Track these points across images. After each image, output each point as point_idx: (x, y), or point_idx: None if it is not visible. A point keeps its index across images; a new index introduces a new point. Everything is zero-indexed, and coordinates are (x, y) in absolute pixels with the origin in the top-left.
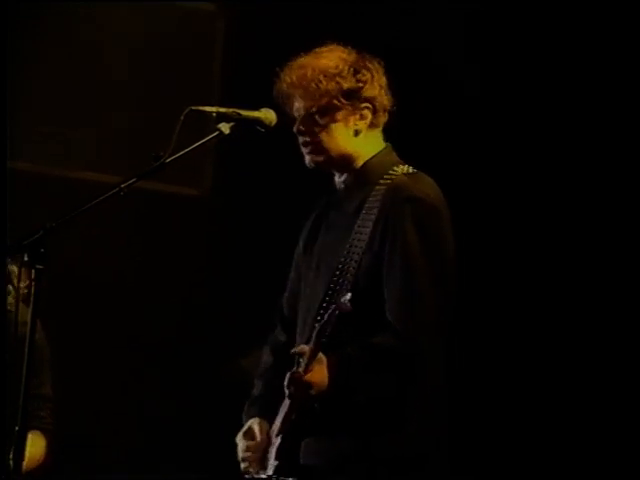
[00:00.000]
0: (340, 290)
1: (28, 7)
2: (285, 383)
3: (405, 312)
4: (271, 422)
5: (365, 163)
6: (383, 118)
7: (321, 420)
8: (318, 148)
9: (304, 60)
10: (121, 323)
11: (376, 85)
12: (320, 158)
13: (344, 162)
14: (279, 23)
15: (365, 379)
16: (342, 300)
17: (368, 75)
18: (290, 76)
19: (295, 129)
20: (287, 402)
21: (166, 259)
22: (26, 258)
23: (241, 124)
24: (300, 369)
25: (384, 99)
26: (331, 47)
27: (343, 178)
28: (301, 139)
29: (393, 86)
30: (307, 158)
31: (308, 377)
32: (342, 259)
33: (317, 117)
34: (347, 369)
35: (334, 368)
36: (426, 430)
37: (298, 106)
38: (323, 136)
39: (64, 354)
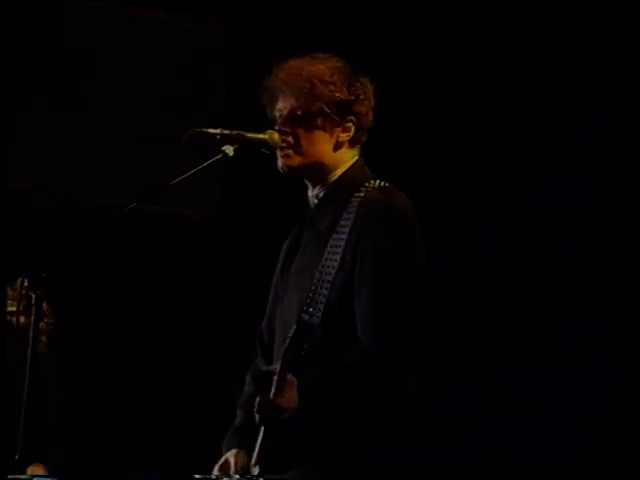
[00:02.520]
0: (313, 312)
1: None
2: (255, 409)
3: (373, 327)
4: (251, 454)
5: (339, 177)
6: (363, 137)
7: (295, 446)
8: (296, 151)
9: (299, 61)
10: (131, 343)
11: (366, 102)
12: (295, 162)
13: (319, 172)
14: (285, 43)
15: (333, 398)
16: (302, 316)
17: (360, 91)
18: (283, 73)
19: (277, 128)
20: (262, 430)
21: (170, 282)
22: (26, 284)
23: (245, 146)
24: (271, 392)
25: (369, 118)
26: (327, 55)
27: (316, 191)
28: (281, 138)
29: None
30: (281, 161)
31: (278, 401)
32: (315, 280)
33: (302, 120)
34: (313, 390)
35: (300, 390)
36: (400, 441)
37: (283, 105)
38: (304, 140)
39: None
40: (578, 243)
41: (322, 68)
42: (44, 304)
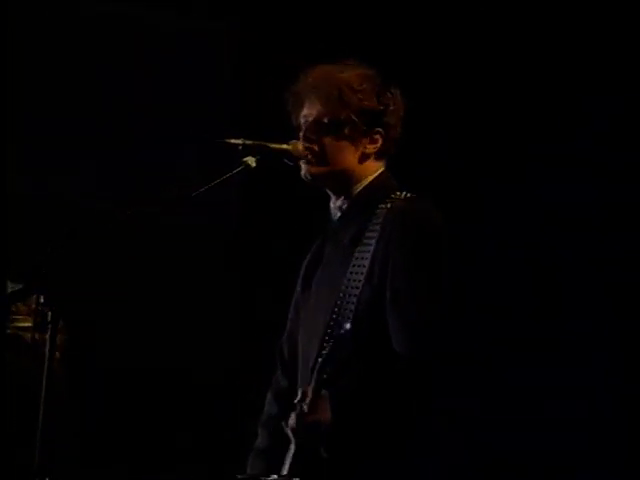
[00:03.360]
0: (342, 326)
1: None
2: (289, 426)
3: (408, 338)
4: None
5: (364, 188)
6: (391, 149)
7: (329, 465)
8: (320, 160)
9: (328, 67)
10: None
11: (395, 113)
12: (320, 170)
13: (343, 183)
14: (301, 48)
15: (367, 410)
16: (341, 332)
17: (390, 101)
18: (311, 78)
19: (302, 135)
20: (292, 449)
21: (190, 294)
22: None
23: (268, 157)
24: (305, 408)
25: (397, 130)
26: (356, 63)
27: (339, 203)
28: (305, 146)
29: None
30: (304, 168)
31: (313, 417)
32: (341, 294)
33: (328, 128)
34: (347, 403)
35: (334, 403)
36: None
37: (309, 112)
38: (329, 149)
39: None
40: (578, 243)
41: (352, 75)
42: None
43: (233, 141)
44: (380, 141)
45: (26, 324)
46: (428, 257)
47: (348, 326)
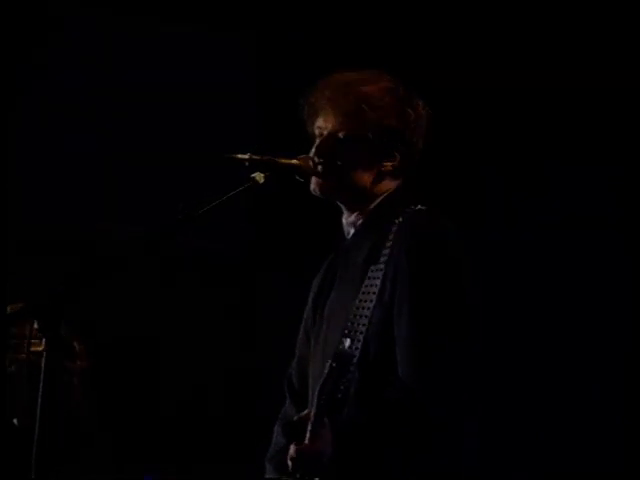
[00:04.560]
0: (351, 348)
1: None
2: (289, 456)
3: (412, 364)
4: None
5: (379, 204)
6: (411, 166)
7: None
8: (333, 177)
9: (348, 78)
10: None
11: (417, 130)
12: (331, 185)
13: (357, 198)
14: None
15: (370, 438)
16: (339, 348)
17: (412, 117)
18: (328, 90)
19: (315, 147)
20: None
21: (198, 318)
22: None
23: (277, 173)
24: (306, 439)
25: (419, 147)
26: (377, 73)
27: (352, 219)
28: (317, 160)
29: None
30: (314, 182)
31: (313, 448)
32: (352, 316)
33: (343, 144)
34: (350, 431)
35: (335, 432)
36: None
37: (324, 124)
38: (342, 166)
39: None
40: (578, 243)
41: (372, 89)
42: (75, 344)
43: (240, 156)
44: (399, 159)
45: (39, 348)
46: (434, 271)
47: (348, 342)
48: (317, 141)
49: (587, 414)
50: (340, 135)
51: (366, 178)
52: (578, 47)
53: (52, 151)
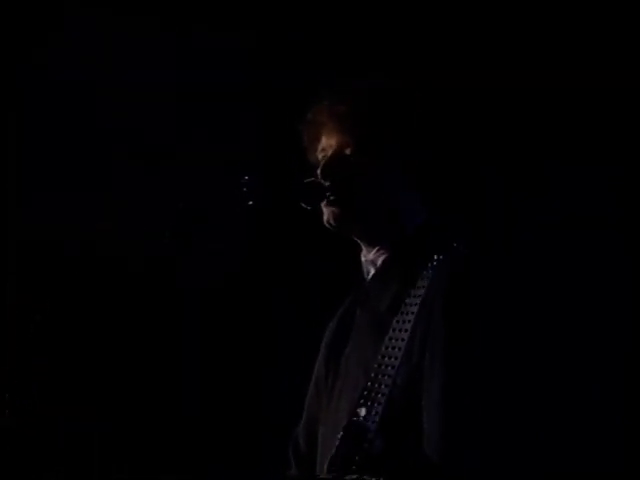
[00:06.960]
0: (368, 414)
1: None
2: None
3: (440, 440)
4: None
5: (404, 237)
6: (431, 179)
7: None
8: (344, 202)
9: (348, 88)
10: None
11: (429, 137)
12: (346, 213)
13: (376, 229)
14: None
15: None
16: (353, 419)
17: (423, 125)
18: (328, 102)
19: (319, 172)
20: None
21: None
22: None
23: (282, 199)
24: None
25: (433, 155)
26: (381, 80)
27: (372, 256)
28: (324, 185)
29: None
30: (327, 213)
31: None
32: (372, 374)
33: (351, 161)
34: None
35: None
36: None
37: (327, 143)
38: (353, 186)
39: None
40: (578, 243)
41: (377, 98)
42: None
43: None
44: (416, 171)
45: None
46: (477, 341)
47: (363, 412)
48: (321, 165)
49: (587, 414)
50: (347, 151)
51: (382, 198)
52: (578, 47)
53: (52, 151)
